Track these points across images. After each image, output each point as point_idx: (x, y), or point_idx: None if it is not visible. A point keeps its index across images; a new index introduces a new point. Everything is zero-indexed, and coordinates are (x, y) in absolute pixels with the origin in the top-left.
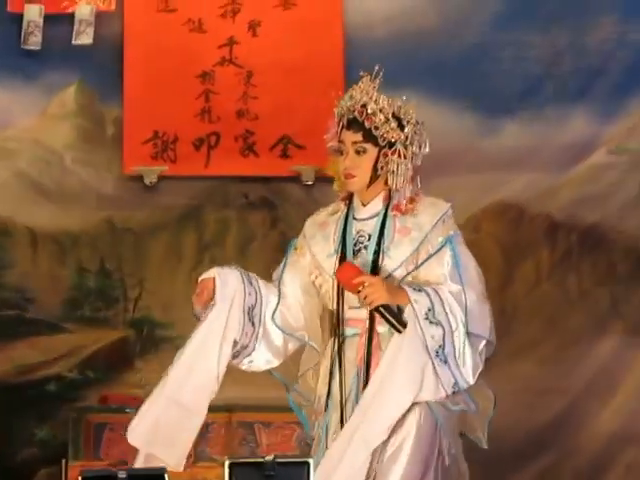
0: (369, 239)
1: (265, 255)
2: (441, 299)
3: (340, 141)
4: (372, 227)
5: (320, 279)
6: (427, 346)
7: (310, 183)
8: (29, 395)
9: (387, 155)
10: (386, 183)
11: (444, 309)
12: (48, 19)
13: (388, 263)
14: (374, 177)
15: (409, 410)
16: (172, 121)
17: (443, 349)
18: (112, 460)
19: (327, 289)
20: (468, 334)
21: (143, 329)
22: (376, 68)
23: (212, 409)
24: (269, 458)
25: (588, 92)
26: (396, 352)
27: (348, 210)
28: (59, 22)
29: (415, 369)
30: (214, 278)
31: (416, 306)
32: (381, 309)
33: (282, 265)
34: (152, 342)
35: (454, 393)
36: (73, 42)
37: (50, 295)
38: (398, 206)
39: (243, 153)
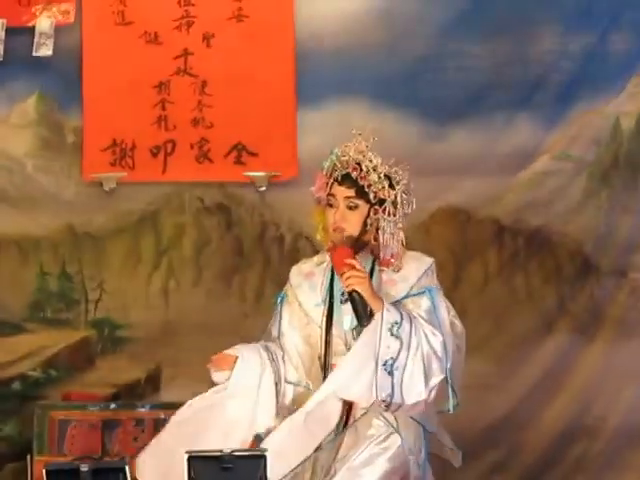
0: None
1: (220, 258)
2: (412, 321)
3: (330, 194)
4: None
5: (308, 328)
6: (379, 353)
7: (263, 189)
8: None
9: (377, 212)
10: (374, 239)
11: (411, 330)
12: (9, 32)
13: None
14: (363, 232)
15: (384, 440)
16: (130, 129)
17: (394, 362)
18: (75, 455)
19: (316, 338)
20: (426, 369)
21: (104, 330)
22: (369, 128)
23: (167, 406)
24: (227, 451)
25: (531, 101)
26: (354, 346)
27: None
28: (20, 35)
29: (359, 365)
30: (236, 357)
31: (386, 314)
32: (355, 294)
33: (277, 319)
34: (112, 342)
35: (384, 402)
36: (34, 54)
37: (13, 298)
38: (386, 261)
39: (198, 160)
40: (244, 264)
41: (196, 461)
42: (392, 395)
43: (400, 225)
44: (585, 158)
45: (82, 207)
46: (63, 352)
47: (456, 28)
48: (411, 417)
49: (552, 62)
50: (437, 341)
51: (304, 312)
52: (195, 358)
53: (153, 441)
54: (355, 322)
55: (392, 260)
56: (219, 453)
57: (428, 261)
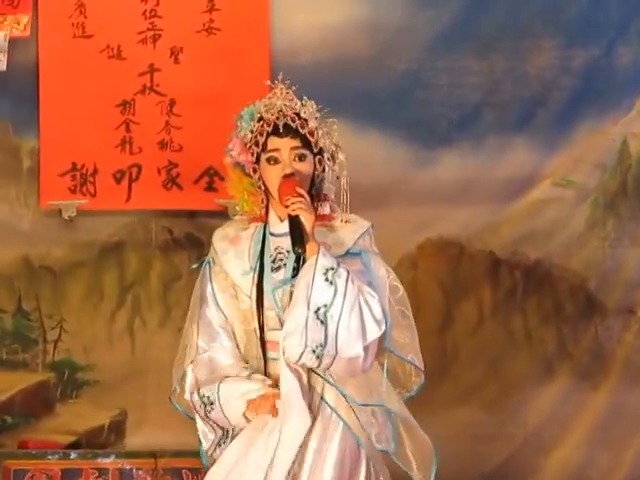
0: (288, 256)
1: (190, 295)
2: (349, 272)
3: (272, 150)
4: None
5: (237, 300)
6: (310, 298)
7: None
8: None
9: (322, 162)
10: (317, 194)
11: (348, 278)
12: None
13: None
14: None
15: (333, 437)
16: (91, 152)
17: (327, 309)
18: None
19: (244, 309)
20: (363, 322)
21: (63, 372)
22: (279, 77)
23: (136, 455)
24: None
25: (530, 121)
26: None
27: (265, 225)
28: None
29: (294, 313)
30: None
31: (321, 258)
32: (296, 219)
33: (209, 290)
34: (73, 386)
35: (314, 352)
36: None
37: None
38: (326, 216)
39: (166, 186)
40: None
41: None
42: (324, 345)
43: (345, 173)
44: (589, 184)
45: (39, 238)
46: (19, 396)
47: (448, 41)
48: (343, 396)
49: (553, 78)
50: (373, 300)
51: (232, 281)
52: (163, 403)
53: None
54: (279, 282)
55: (333, 214)
56: None
57: (365, 224)
